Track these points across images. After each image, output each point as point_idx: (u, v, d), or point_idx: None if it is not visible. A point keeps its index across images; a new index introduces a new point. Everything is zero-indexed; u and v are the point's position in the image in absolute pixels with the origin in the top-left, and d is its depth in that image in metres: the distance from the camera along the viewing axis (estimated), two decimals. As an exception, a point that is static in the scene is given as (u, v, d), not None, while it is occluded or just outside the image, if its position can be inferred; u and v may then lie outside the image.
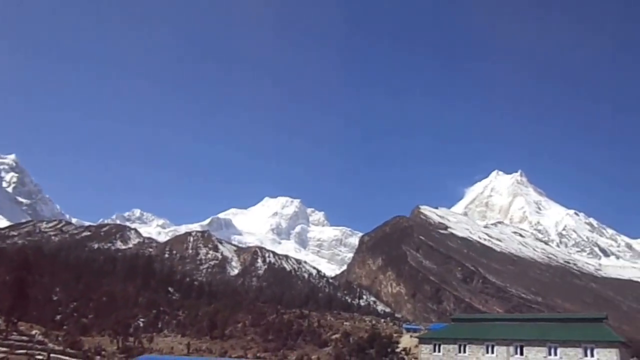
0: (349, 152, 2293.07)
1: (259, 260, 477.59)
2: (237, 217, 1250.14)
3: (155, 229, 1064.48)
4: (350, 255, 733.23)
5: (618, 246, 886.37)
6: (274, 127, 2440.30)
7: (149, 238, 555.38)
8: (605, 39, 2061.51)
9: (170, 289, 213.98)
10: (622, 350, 59.48)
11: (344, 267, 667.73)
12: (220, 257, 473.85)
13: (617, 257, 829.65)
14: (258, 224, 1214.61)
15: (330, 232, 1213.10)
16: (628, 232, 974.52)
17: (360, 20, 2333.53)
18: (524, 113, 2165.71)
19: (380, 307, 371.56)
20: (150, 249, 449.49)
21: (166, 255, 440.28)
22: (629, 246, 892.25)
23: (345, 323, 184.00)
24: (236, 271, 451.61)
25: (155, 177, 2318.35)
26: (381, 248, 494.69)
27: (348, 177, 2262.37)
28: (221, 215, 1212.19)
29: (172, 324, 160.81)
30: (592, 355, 57.88)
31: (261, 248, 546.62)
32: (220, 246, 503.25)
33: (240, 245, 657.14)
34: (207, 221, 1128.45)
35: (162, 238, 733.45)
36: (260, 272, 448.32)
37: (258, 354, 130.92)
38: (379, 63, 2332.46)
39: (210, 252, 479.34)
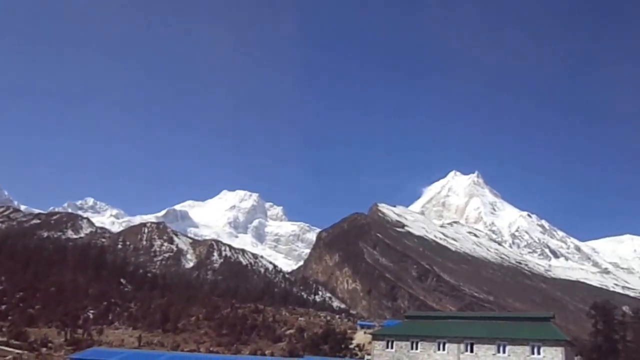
0: (309, 149, 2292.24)
1: (215, 253, 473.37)
2: (194, 209, 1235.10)
3: (109, 219, 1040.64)
4: (308, 250, 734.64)
5: (568, 248, 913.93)
6: (231, 125, 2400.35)
7: (102, 228, 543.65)
8: (551, 45, 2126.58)
9: (122, 280, 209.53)
10: (568, 349, 61.24)
11: (301, 263, 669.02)
12: (175, 249, 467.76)
13: (567, 259, 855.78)
14: (215, 217, 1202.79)
15: (288, 227, 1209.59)
16: (577, 234, 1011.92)
17: (316, 35, 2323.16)
18: (481, 117, 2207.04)
19: (335, 304, 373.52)
20: (103, 239, 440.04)
21: (119, 246, 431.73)
22: (578, 248, 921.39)
23: (300, 318, 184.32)
24: (191, 264, 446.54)
25: (110, 165, 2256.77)
26: (338, 244, 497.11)
27: (308, 173, 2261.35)
28: (177, 207, 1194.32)
29: (124, 316, 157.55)
30: (538, 353, 59.39)
31: (217, 241, 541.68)
32: (175, 238, 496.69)
33: (196, 237, 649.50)
34: (163, 212, 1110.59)
35: (116, 228, 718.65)
36: (216, 265, 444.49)
37: (211, 348, 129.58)
38: (336, 76, 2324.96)
39: (165, 244, 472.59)
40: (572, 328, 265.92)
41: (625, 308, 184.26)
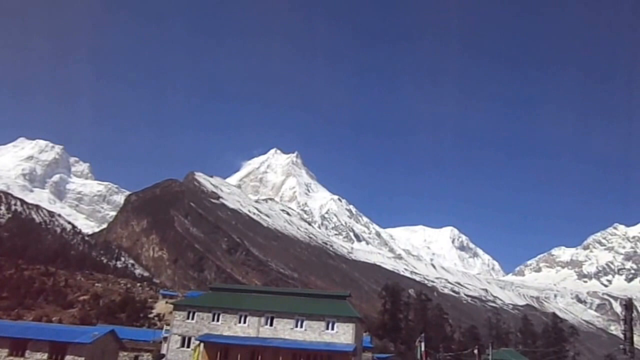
0: (123, 105, 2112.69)
1: (2, 207, 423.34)
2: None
3: None
4: (114, 213, 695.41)
5: (369, 233, 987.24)
6: (35, 69, 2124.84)
7: None
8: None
9: None
10: (358, 325, 66.18)
11: (105, 226, 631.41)
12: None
13: (367, 243, 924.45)
14: (6, 167, 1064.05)
15: (93, 187, 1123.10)
16: (379, 221, 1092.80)
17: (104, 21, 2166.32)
18: (300, 99, 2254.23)
19: (138, 271, 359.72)
20: None
21: None
22: (378, 234, 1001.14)
23: (97, 284, 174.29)
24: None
25: None
26: (148, 210, 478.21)
27: (120, 130, 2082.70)
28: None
29: None
30: (332, 329, 63.13)
31: (7, 194, 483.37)
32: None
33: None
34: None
35: None
36: (2, 220, 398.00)
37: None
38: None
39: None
40: (365, 307, 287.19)
41: (411, 291, 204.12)
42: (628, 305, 44.65)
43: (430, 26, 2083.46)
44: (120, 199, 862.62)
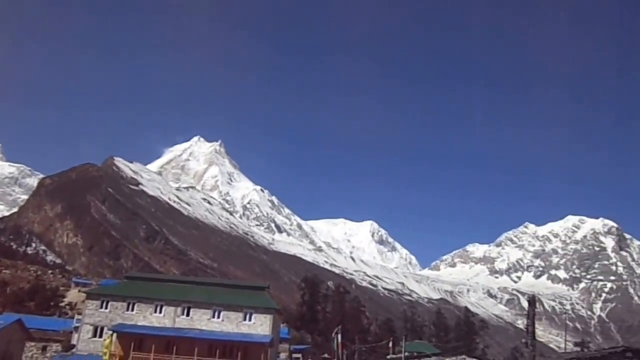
0: (40, 84, 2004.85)
1: None
2: None
3: None
4: (25, 197, 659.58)
5: (291, 225, 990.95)
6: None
7: None
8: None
9: None
10: (276, 316, 67.12)
11: (15, 210, 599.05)
12: None
13: (288, 235, 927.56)
14: None
15: (4, 168, 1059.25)
16: (301, 213, 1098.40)
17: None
18: (226, 96, 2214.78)
19: (50, 258, 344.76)
20: None
21: None
22: (299, 226, 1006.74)
23: (4, 271, 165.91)
24: None
25: None
26: (63, 194, 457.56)
27: (35, 110, 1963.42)
28: None
29: None
30: (250, 320, 63.67)
31: None
32: None
33: None
34: None
35: None
36: None
37: None
38: None
39: None
40: (284, 297, 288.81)
41: (329, 283, 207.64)
42: (531, 301, 47.92)
43: (343, 41, 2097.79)
44: (33, 182, 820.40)
